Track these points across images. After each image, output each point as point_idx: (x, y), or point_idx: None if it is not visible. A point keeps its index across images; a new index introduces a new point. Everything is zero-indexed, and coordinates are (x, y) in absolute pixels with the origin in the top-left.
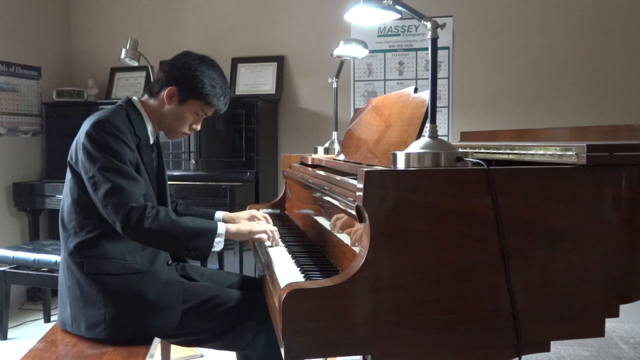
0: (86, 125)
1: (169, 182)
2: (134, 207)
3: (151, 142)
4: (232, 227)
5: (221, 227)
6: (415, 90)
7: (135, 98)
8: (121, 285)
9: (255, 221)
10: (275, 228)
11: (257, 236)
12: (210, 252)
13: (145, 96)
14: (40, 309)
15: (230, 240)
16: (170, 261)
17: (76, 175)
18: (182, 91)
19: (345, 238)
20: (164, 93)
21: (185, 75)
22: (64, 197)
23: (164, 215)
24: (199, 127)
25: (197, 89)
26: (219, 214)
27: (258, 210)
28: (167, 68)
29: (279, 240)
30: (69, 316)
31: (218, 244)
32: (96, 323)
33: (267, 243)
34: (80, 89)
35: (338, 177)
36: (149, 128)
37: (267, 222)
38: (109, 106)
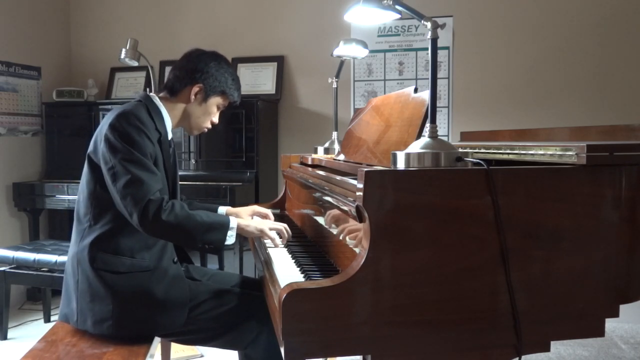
0: (109, 117)
1: None
2: (152, 200)
3: (169, 137)
4: (243, 222)
5: (233, 222)
6: (415, 90)
7: (153, 94)
8: (129, 283)
9: (261, 218)
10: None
11: (270, 234)
12: (224, 245)
13: (163, 93)
14: (40, 309)
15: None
16: (175, 259)
17: (94, 167)
18: (208, 89)
19: (345, 238)
20: (189, 91)
21: (209, 74)
22: (80, 191)
23: (179, 208)
24: (217, 121)
25: (221, 86)
26: (222, 209)
27: None
28: (189, 66)
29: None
30: (74, 310)
31: (230, 238)
32: (103, 319)
33: (279, 242)
34: (80, 89)
35: (338, 177)
36: (168, 124)
37: (269, 218)
38: (128, 102)
